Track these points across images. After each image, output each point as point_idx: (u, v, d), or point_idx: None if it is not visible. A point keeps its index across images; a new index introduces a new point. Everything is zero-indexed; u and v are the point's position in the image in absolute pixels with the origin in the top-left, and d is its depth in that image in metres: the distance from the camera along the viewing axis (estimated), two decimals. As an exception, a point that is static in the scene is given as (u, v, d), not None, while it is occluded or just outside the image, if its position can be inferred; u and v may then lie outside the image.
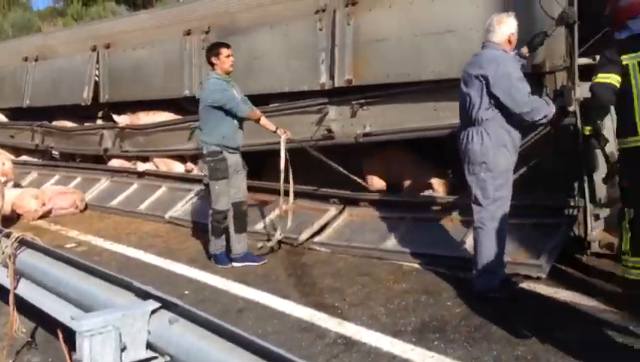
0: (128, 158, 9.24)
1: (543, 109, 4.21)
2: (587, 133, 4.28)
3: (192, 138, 7.92)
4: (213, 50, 5.63)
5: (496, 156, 4.22)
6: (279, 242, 6.00)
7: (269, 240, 6.04)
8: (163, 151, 8.66)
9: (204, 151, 5.53)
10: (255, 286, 5.05)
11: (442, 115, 5.57)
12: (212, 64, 5.60)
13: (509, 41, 4.31)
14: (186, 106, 8.26)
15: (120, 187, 8.79)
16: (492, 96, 4.15)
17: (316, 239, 6.02)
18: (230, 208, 5.60)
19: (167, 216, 7.53)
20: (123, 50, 9.16)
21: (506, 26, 4.29)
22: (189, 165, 8.46)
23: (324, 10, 6.51)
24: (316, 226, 6.13)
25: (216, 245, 5.68)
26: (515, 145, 4.30)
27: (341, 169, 6.28)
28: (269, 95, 7.06)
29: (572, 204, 4.91)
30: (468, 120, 4.32)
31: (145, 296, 3.06)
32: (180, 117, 8.54)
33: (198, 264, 5.77)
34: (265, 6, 7.14)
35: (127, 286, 3.27)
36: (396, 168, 6.49)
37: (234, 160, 5.57)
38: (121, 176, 9.04)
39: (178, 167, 8.50)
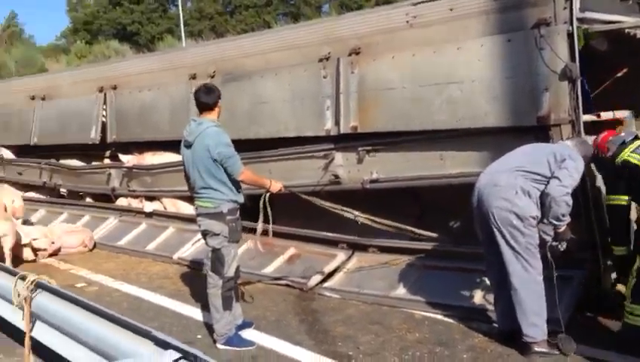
0: (135, 197, 9.30)
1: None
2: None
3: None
4: (217, 93, 4.85)
5: None
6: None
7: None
8: (170, 191, 8.72)
9: (224, 210, 4.70)
10: (267, 331, 5.09)
11: (448, 164, 5.71)
12: (210, 109, 4.83)
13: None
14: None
15: (128, 226, 8.85)
16: None
17: (325, 285, 6.04)
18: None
19: (175, 256, 7.59)
20: (129, 91, 9.30)
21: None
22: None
23: (327, 59, 6.62)
24: (326, 271, 6.15)
25: (229, 323, 4.86)
26: None
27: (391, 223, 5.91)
28: (271, 140, 7.17)
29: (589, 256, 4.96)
30: None
31: (164, 345, 3.18)
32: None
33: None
34: (268, 53, 7.28)
35: (147, 335, 3.38)
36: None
37: None
38: (129, 215, 9.12)
39: (186, 208, 8.48)
